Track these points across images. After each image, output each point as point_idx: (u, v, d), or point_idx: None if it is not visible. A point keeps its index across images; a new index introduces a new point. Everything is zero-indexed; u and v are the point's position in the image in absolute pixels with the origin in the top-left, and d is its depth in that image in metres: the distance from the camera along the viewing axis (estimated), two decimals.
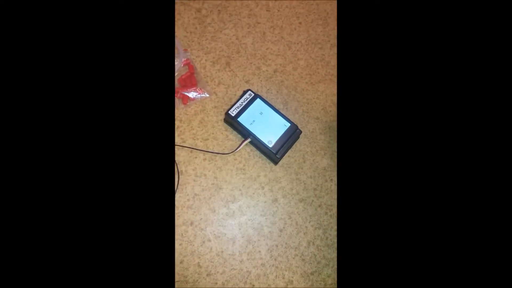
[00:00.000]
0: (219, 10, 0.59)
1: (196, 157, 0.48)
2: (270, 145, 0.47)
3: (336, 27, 0.62)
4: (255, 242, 0.45)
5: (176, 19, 0.57)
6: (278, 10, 0.62)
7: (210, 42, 0.56)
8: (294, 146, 0.50)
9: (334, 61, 0.59)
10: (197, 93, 0.51)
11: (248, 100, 0.49)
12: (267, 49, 0.57)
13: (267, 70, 0.56)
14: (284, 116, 0.49)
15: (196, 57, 0.54)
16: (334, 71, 0.58)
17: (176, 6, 0.58)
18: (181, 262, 0.43)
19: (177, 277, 0.42)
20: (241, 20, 0.59)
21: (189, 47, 0.54)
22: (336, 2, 0.65)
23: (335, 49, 0.60)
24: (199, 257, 0.43)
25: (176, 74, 0.51)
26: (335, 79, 0.57)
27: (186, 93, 0.50)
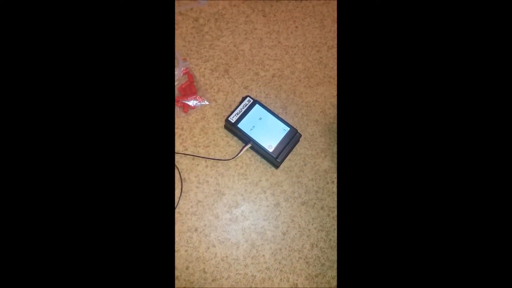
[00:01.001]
0: (216, 18, 0.60)
1: (198, 164, 0.49)
2: (271, 150, 0.47)
3: (332, 29, 0.63)
4: (258, 246, 0.46)
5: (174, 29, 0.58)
6: (274, 15, 0.62)
7: (208, 50, 0.57)
8: (294, 149, 0.51)
9: (331, 63, 0.59)
10: (197, 101, 0.52)
11: (247, 106, 0.49)
12: (264, 54, 0.58)
13: (265, 75, 0.56)
14: (283, 120, 0.50)
15: (195, 65, 0.55)
16: (332, 73, 0.58)
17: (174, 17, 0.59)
18: (187, 268, 0.43)
19: (183, 283, 0.43)
20: (238, 27, 0.60)
21: (188, 56, 0.55)
22: (332, 4, 0.65)
23: (332, 51, 0.61)
24: (204, 263, 0.44)
25: (176, 83, 0.52)
26: (334, 81, 0.57)
27: (186, 102, 0.51)
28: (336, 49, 0.61)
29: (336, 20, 0.64)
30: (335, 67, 0.59)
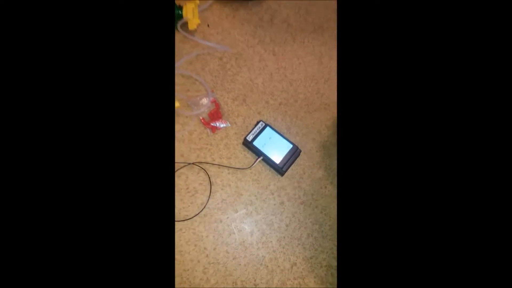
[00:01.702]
0: (236, 57, 0.76)
1: (222, 172, 0.64)
2: (277, 162, 0.63)
3: (329, 65, 0.78)
4: (268, 234, 0.60)
5: (204, 67, 0.74)
6: (282, 54, 0.78)
7: (230, 83, 0.73)
8: (296, 161, 0.66)
9: (327, 93, 0.75)
10: (222, 124, 0.68)
11: (260, 128, 0.65)
12: (274, 86, 0.74)
13: (274, 103, 0.72)
14: (288, 139, 0.65)
15: (220, 96, 0.71)
16: (327, 101, 0.73)
17: (203, 56, 0.76)
18: (214, 249, 0.59)
19: (211, 260, 0.58)
20: (253, 64, 0.76)
21: (215, 88, 0.72)
22: (328, 44, 0.81)
23: (328, 83, 0.76)
24: (227, 246, 0.59)
25: (206, 110, 0.69)
26: (328, 108, 0.73)
27: (214, 124, 0.67)
28: (331, 81, 0.76)
29: (331, 57, 0.79)
30: (330, 96, 0.74)
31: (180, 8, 0.75)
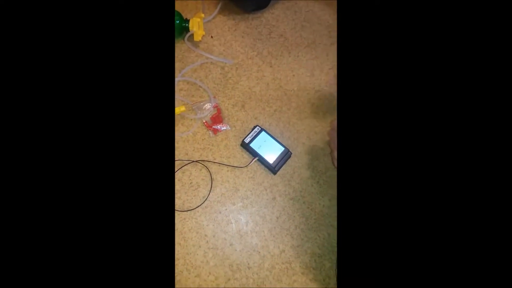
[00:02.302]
0: (236, 67, 0.85)
1: (222, 169, 0.73)
2: (271, 162, 0.71)
3: (320, 78, 0.87)
4: (261, 225, 0.69)
5: (207, 75, 0.83)
6: (278, 66, 0.87)
7: (231, 90, 0.82)
8: (287, 162, 0.75)
9: (317, 103, 0.84)
10: (223, 127, 0.76)
11: (256, 132, 0.74)
12: (270, 95, 0.83)
13: (269, 110, 0.81)
14: (280, 142, 0.74)
15: (222, 101, 0.80)
16: (317, 110, 0.83)
17: (207, 65, 0.84)
18: (213, 236, 0.67)
19: (211, 245, 0.66)
20: (252, 74, 0.85)
21: (217, 95, 0.80)
22: (320, 58, 0.91)
23: (318, 94, 0.85)
24: (225, 233, 0.67)
25: (209, 114, 0.77)
26: (317, 116, 0.82)
27: (215, 127, 0.76)
28: (321, 93, 0.85)
29: (322, 71, 0.89)
30: (320, 106, 0.83)
31: (187, 21, 0.83)
